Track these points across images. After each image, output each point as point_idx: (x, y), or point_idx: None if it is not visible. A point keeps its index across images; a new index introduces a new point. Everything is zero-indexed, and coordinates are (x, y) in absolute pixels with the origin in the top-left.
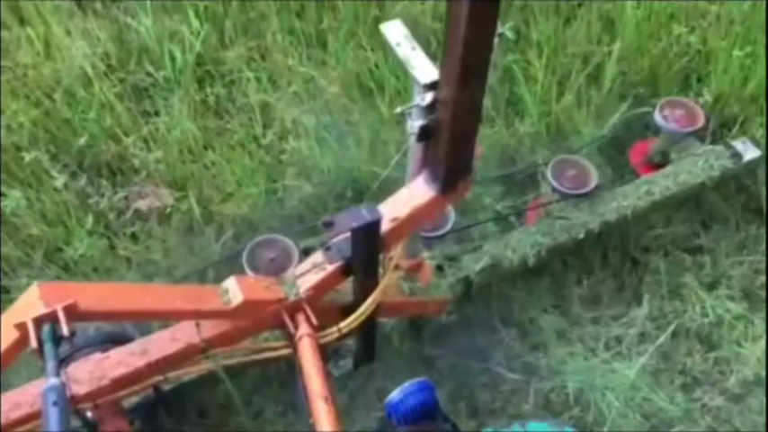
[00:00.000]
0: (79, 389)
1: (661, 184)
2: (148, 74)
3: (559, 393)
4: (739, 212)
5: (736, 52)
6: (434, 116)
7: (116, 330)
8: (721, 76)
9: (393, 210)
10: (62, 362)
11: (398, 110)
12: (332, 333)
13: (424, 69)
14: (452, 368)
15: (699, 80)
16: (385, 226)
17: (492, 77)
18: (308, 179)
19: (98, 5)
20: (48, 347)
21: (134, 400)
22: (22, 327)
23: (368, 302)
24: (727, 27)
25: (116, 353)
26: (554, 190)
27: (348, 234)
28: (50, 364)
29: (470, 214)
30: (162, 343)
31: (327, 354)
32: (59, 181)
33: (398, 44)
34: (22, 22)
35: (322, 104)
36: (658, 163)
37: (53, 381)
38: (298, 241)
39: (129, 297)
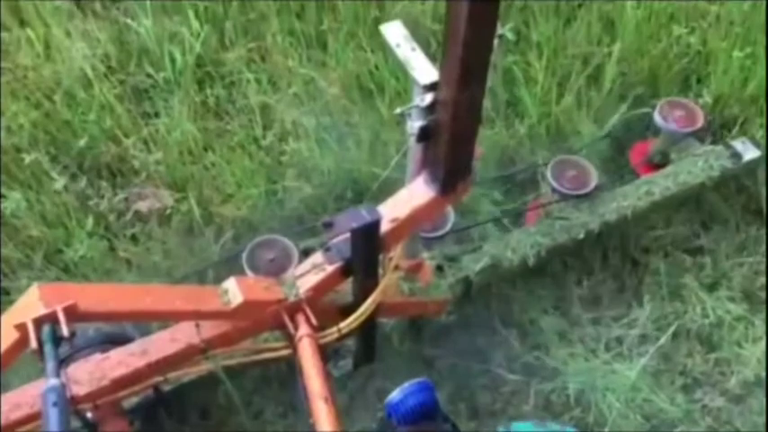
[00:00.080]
0: (79, 389)
1: (661, 184)
2: (148, 75)
3: (560, 394)
4: (739, 213)
5: (736, 53)
6: (434, 117)
7: (116, 331)
8: (721, 77)
9: (393, 210)
10: (62, 362)
11: (398, 111)
12: (332, 333)
13: (424, 70)
14: (452, 369)
15: (699, 81)
16: (385, 226)
17: (492, 79)
18: (308, 180)
19: (98, 7)
20: (47, 348)
21: (134, 400)
22: (21, 327)
23: (368, 303)
24: (727, 28)
25: (116, 353)
26: (554, 190)
27: (348, 235)
28: (50, 365)
29: (470, 215)
30: (162, 343)
31: (327, 354)
32: (59, 182)
33: (398, 45)
34: (22, 23)
35: (322, 106)
36: (658, 163)
37: (53, 381)
38: (297, 242)
39: (128, 298)
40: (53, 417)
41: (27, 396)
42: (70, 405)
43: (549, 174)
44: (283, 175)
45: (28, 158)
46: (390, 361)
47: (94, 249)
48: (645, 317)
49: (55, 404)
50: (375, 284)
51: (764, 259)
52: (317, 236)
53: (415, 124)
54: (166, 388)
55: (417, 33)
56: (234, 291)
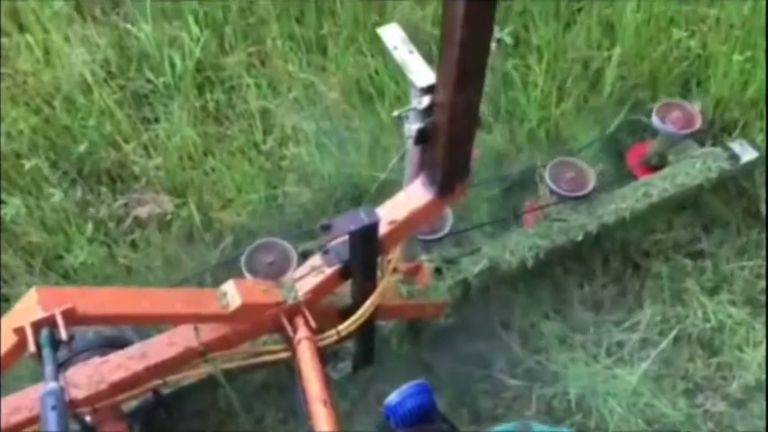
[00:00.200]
0: (78, 393)
1: (659, 186)
2: (148, 80)
3: (561, 399)
4: (740, 217)
5: (735, 56)
6: (432, 119)
7: (115, 334)
8: (721, 81)
9: (391, 213)
10: (61, 366)
11: (396, 113)
12: (330, 336)
13: (421, 73)
14: (453, 374)
15: (699, 84)
16: (383, 229)
17: (491, 83)
18: (308, 185)
19: (97, 12)
20: (46, 352)
21: (133, 404)
22: (20, 331)
23: (366, 305)
24: (726, 31)
25: (115, 357)
26: (552, 192)
27: (346, 237)
28: (49, 369)
29: (469, 217)
30: (161, 347)
31: (326, 356)
32: (59, 188)
33: (395, 48)
34: (22, 29)
35: (322, 110)
36: (656, 165)
37: (51, 385)
38: (296, 245)
39: (127, 301)
40: (51, 420)
41: (26, 399)
42: (69, 408)
43: (547, 176)
44: (283, 179)
45: (28, 164)
46: (391, 366)
47: (94, 255)
48: (646, 321)
49: (53, 407)
50: (373, 287)
51: (765, 263)
52: (316, 239)
53: (412, 127)
54: (166, 391)
55: (417, 38)
56: (232, 294)
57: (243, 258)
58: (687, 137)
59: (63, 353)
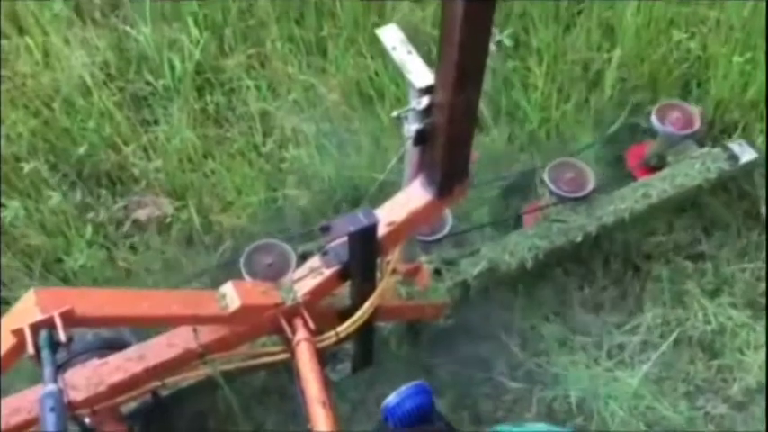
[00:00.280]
0: (77, 395)
1: (658, 186)
2: (148, 83)
3: (562, 402)
4: (740, 219)
5: (736, 58)
6: (430, 120)
7: (113, 336)
8: (721, 82)
9: (390, 214)
10: (59, 368)
11: (395, 114)
12: (329, 337)
13: (420, 73)
14: (454, 377)
15: (699, 86)
16: (382, 230)
17: (491, 85)
18: (308, 187)
19: (97, 14)
20: (44, 353)
21: (132, 405)
22: (19, 333)
23: (365, 306)
24: (726, 33)
25: (113, 358)
26: (551, 193)
27: (345, 238)
28: (47, 370)
29: (468, 218)
30: (159, 348)
31: (325, 358)
32: (58, 191)
33: (394, 48)
34: (21, 31)
35: (322, 112)
36: (655, 166)
37: (50, 386)
38: (295, 246)
39: (125, 303)
40: (50, 421)
41: (25, 401)
42: (68, 410)
43: (546, 177)
44: (283, 182)
45: (27, 167)
46: (390, 367)
47: (94, 258)
48: (647, 323)
49: (52, 409)
50: (373, 288)
51: (765, 265)
52: (315, 240)
53: (411, 127)
54: (165, 393)
55: (417, 39)
56: (231, 295)
57: (242, 260)
58: (686, 138)
59: (62, 354)
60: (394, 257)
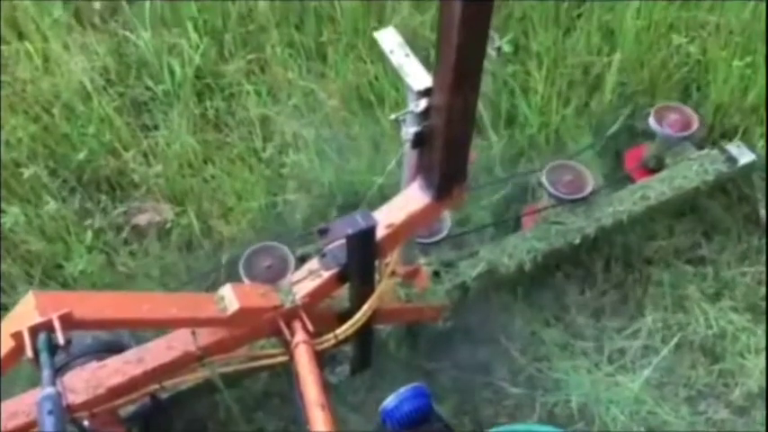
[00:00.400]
0: (75, 398)
1: (656, 188)
2: (147, 88)
3: (564, 407)
4: (741, 223)
5: (735, 62)
6: (428, 123)
7: (112, 339)
8: (721, 86)
9: (388, 216)
10: (58, 371)
11: (393, 116)
12: (328, 340)
13: (418, 76)
14: (455, 382)
15: (699, 90)
16: (380, 232)
17: (491, 89)
18: (308, 192)
19: (96, 20)
20: (43, 356)
21: (131, 408)
22: (18, 336)
23: (364, 309)
24: (726, 37)
25: (112, 361)
26: (550, 195)
27: (343, 241)
28: (46, 373)
29: (467, 220)
30: (158, 351)
31: (324, 360)
32: (58, 196)
33: (392, 51)
34: (21, 36)
35: (322, 117)
36: (653, 168)
37: (49, 389)
38: (294, 248)
39: (124, 306)
40: (49, 425)
41: (24, 404)
42: (66, 413)
43: (545, 179)
44: (283, 187)
45: (27, 172)
46: (390, 372)
47: (93, 264)
48: (648, 328)
49: (50, 412)
50: (371, 290)
51: (765, 269)
52: (314, 242)
53: (409, 130)
54: (164, 396)
55: (416, 44)
56: (230, 298)
57: (241, 262)
58: (684, 140)
59: (60, 357)
60: (392, 260)
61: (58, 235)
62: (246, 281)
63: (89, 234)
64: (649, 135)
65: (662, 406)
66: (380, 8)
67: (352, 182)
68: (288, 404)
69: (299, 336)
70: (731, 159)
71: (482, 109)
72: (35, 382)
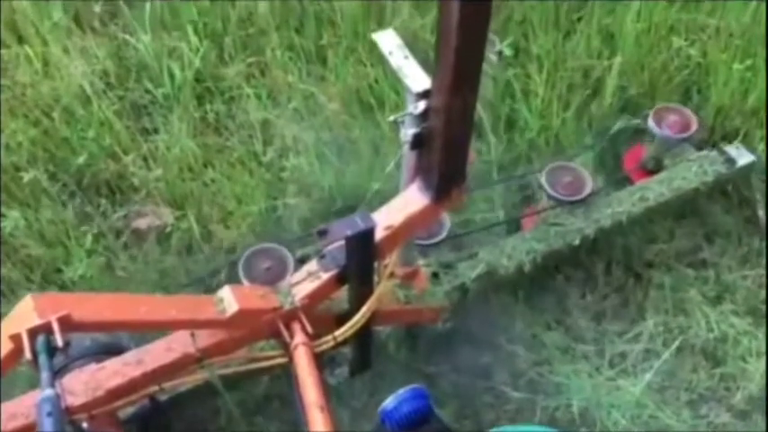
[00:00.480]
0: (74, 400)
1: (655, 190)
2: (147, 91)
3: (565, 411)
4: (742, 226)
5: (736, 65)
6: (427, 124)
7: (111, 341)
8: (722, 89)
9: (387, 218)
10: (57, 373)
11: (392, 118)
12: (327, 341)
13: (417, 78)
14: (456, 386)
15: (699, 93)
16: (379, 234)
17: (491, 92)
18: (308, 196)
19: (96, 23)
20: (42, 358)
21: (130, 410)
22: (16, 338)
23: (363, 311)
24: (726, 40)
25: (111, 363)
26: (549, 197)
27: (342, 242)
28: (45, 375)
29: (466, 222)
30: (157, 353)
31: (323, 362)
32: (58, 200)
33: (391, 53)
34: (21, 40)
35: (322, 121)
36: (652, 169)
37: (48, 391)
38: (293, 250)
39: (123, 308)
40: (48, 426)
41: (23, 406)
42: (65, 415)
43: (544, 180)
44: (284, 191)
45: (26, 176)
46: (389, 373)
47: (93, 268)
48: (649, 331)
49: (49, 414)
50: (370, 292)
51: (765, 272)
52: (313, 244)
53: (408, 132)
54: (163, 398)
55: (416, 46)
56: (229, 299)
57: (240, 264)
58: (683, 141)
59: (59, 359)
60: (391, 261)
61: (58, 239)
62: (246, 282)
63: (89, 238)
64: (648, 136)
65: (663, 410)
66: (380, 11)
67: (353, 185)
68: (288, 407)
69: (299, 337)
70: (730, 161)
71: (482, 112)
72: (34, 384)
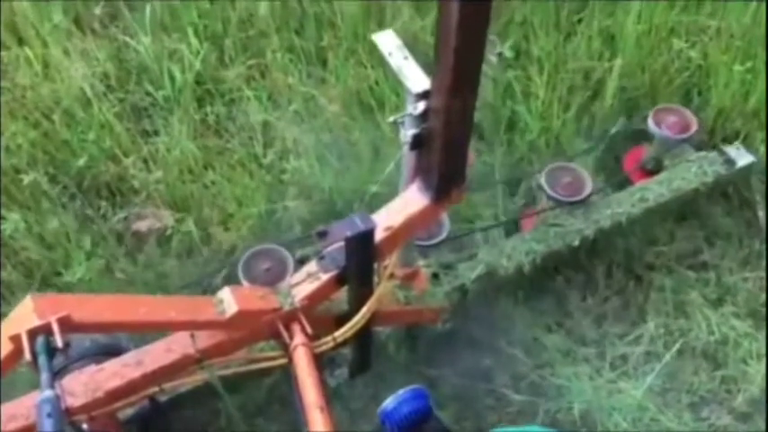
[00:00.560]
0: (74, 401)
1: (655, 190)
2: (148, 93)
3: (566, 414)
4: (742, 228)
5: (736, 67)
6: (427, 125)
7: (111, 342)
8: (722, 91)
9: (387, 218)
10: (57, 374)
11: (391, 119)
12: (327, 342)
13: (416, 78)
14: (457, 389)
15: (700, 94)
16: (379, 235)
17: (491, 94)
18: (308, 198)
19: (96, 25)
20: (42, 359)
21: (130, 411)
22: (16, 339)
23: (363, 311)
24: (727, 41)
25: (111, 364)
26: (549, 197)
27: (342, 243)
28: (44, 376)
29: (466, 222)
30: (157, 354)
31: (323, 363)
32: (58, 203)
33: (390, 54)
34: (21, 42)
35: (322, 123)
36: (651, 170)
37: (47, 392)
38: (293, 251)
39: (123, 309)
40: (48, 427)
41: (23, 407)
42: (65, 416)
43: (543, 181)
44: (284, 193)
45: (27, 179)
46: (389, 374)
47: (93, 270)
48: (650, 334)
49: (49, 415)
50: (370, 293)
51: (766, 275)
52: (313, 245)
53: (408, 132)
54: (163, 399)
55: (416, 48)
56: (229, 300)
57: (240, 265)
58: (683, 142)
59: (59, 360)
60: (391, 262)
61: (58, 242)
62: (245, 283)
63: (88, 240)
64: (648, 137)
65: (665, 412)
66: (380, 13)
67: (353, 187)
68: (289, 409)
69: (298, 338)
70: (729, 161)
71: (482, 115)
72: (34, 385)
